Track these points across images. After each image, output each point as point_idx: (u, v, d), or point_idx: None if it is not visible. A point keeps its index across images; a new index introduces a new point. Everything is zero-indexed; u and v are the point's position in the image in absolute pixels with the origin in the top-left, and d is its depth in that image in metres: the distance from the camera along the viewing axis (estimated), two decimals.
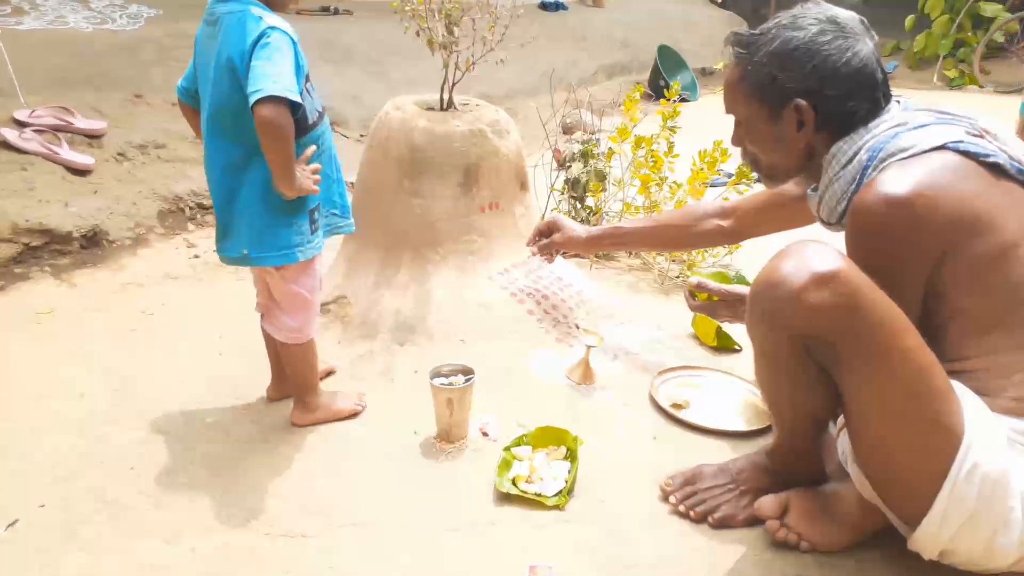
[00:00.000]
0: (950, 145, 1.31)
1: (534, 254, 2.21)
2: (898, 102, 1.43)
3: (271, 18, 1.52)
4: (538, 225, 2.22)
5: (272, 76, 1.44)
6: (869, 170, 1.34)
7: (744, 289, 1.90)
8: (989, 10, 7.04)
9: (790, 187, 1.79)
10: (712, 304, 1.95)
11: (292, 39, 1.53)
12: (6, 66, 3.31)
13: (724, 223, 2.02)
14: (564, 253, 2.28)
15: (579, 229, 2.16)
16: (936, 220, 1.26)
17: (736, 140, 1.57)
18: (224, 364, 2.13)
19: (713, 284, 1.94)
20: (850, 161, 1.38)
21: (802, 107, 1.40)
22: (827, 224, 1.49)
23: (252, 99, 1.43)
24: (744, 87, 1.47)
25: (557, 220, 2.17)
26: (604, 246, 2.23)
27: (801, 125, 1.43)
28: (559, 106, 3.36)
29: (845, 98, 1.38)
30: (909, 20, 7.40)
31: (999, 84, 6.65)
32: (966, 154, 1.30)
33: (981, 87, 6.72)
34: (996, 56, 7.21)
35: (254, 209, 1.61)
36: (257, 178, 1.59)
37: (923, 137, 1.32)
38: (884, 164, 1.32)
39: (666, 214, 2.30)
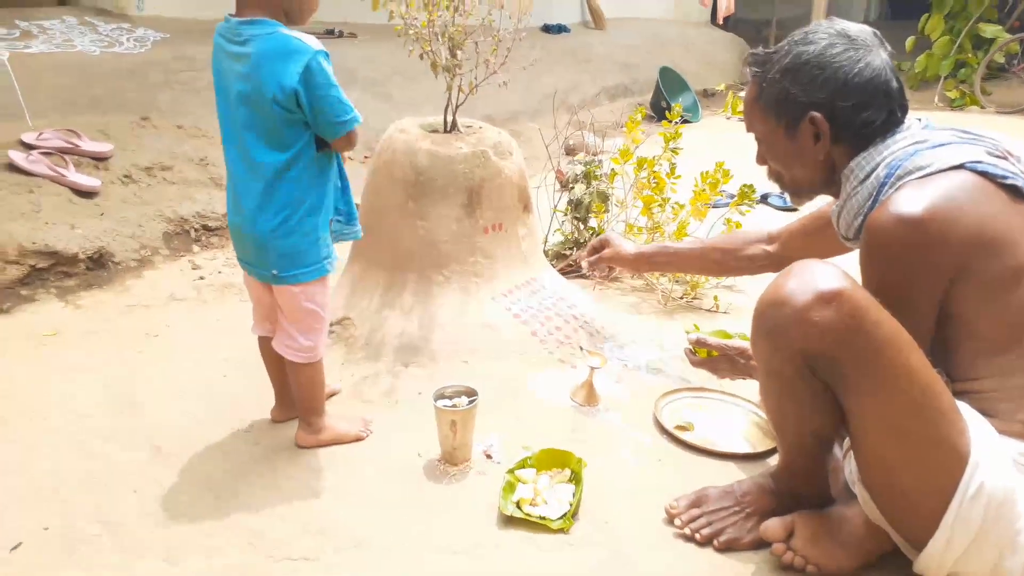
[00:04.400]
0: (968, 165, 1.31)
1: (585, 269, 2.27)
2: (919, 120, 1.44)
3: (307, 38, 1.56)
4: (592, 242, 2.27)
5: (346, 103, 1.59)
6: (886, 187, 1.34)
7: (743, 343, 1.91)
8: (989, 31, 7.08)
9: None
10: (713, 360, 1.96)
11: (327, 56, 1.59)
12: (14, 89, 3.35)
13: (770, 248, 2.00)
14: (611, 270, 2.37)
15: (628, 246, 2.20)
16: (951, 240, 1.26)
17: (759, 158, 1.59)
18: (228, 385, 2.13)
19: (713, 340, 1.96)
20: (868, 176, 1.39)
21: (816, 119, 1.42)
22: (845, 239, 1.49)
23: (344, 128, 1.60)
24: (761, 104, 1.50)
25: (608, 237, 2.23)
26: (652, 264, 2.25)
27: (818, 137, 1.44)
28: (562, 128, 3.38)
29: (859, 108, 1.39)
30: (909, 41, 7.45)
31: (1000, 105, 6.67)
32: (984, 175, 1.31)
33: (982, 108, 6.74)
34: (997, 77, 7.26)
35: (287, 226, 1.64)
36: (288, 195, 1.63)
37: (942, 156, 1.33)
38: (901, 182, 1.32)
39: (715, 238, 2.30)
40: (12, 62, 3.50)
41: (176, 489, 1.70)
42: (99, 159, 3.22)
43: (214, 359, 2.26)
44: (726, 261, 2.09)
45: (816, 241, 1.83)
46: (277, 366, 1.90)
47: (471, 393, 1.81)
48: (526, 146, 3.61)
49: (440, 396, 1.79)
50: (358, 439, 1.88)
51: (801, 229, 1.92)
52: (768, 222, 3.36)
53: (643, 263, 2.22)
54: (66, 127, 3.25)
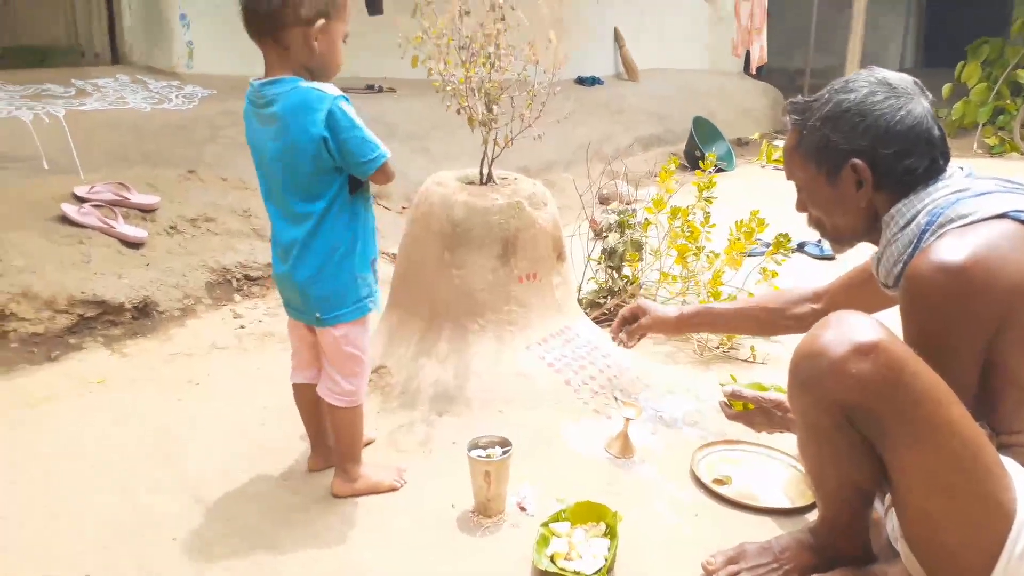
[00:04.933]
0: (1012, 214, 1.30)
1: (621, 342, 2.15)
2: (961, 168, 1.43)
3: (326, 87, 1.62)
4: (621, 312, 2.17)
5: (372, 140, 1.64)
6: (927, 235, 1.34)
7: (780, 396, 1.85)
8: None
9: None
10: (748, 413, 1.91)
11: (348, 101, 1.65)
12: (68, 145, 3.49)
13: (817, 306, 1.93)
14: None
15: (667, 310, 2.11)
16: (994, 289, 1.25)
17: (800, 206, 1.59)
18: (266, 433, 2.15)
19: (748, 392, 1.91)
20: (908, 223, 1.38)
21: (859, 166, 1.42)
22: (885, 286, 1.48)
23: (373, 165, 1.64)
24: (801, 152, 1.50)
25: (642, 304, 2.13)
26: (694, 326, 2.18)
27: (860, 185, 1.43)
28: (595, 177, 3.41)
29: (902, 156, 1.39)
30: (946, 88, 7.41)
31: None
32: None
33: (1023, 154, 6.66)
34: None
35: (324, 272, 1.69)
36: (324, 243, 1.68)
37: (984, 205, 1.32)
38: (943, 230, 1.32)
39: (759, 297, 2.25)
40: (67, 119, 3.65)
41: (214, 537, 1.72)
42: (147, 211, 3.33)
43: (253, 407, 2.29)
44: (772, 320, 2.02)
45: (862, 295, 1.76)
46: (313, 414, 1.93)
47: (505, 443, 1.81)
48: (560, 196, 3.65)
49: (474, 446, 1.80)
50: (392, 489, 1.89)
51: (846, 284, 1.87)
52: (808, 274, 3.35)
53: (685, 326, 2.14)
54: (117, 180, 3.38)
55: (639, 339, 2.15)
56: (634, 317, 2.14)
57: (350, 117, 1.61)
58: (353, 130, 1.61)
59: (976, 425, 1.24)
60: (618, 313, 2.19)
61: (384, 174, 1.68)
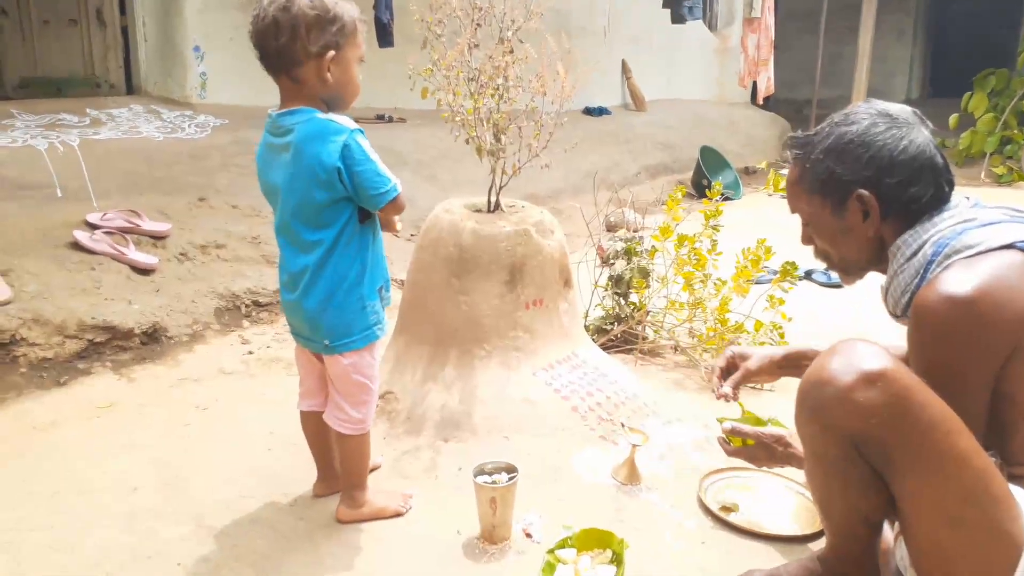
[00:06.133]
0: (1019, 244, 1.30)
1: (726, 397, 1.84)
2: (968, 198, 1.44)
3: (342, 119, 1.64)
4: (717, 364, 1.92)
5: (384, 174, 1.66)
6: (933, 265, 1.34)
7: (780, 430, 1.78)
8: None
9: None
10: (749, 449, 1.81)
11: (363, 133, 1.66)
12: (82, 172, 3.55)
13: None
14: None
15: (772, 352, 1.86)
16: (1002, 321, 1.24)
17: (805, 239, 1.59)
18: (273, 459, 2.16)
19: (748, 428, 1.81)
20: (915, 254, 1.39)
21: (864, 197, 1.42)
22: (893, 316, 1.48)
23: (385, 198, 1.66)
24: (805, 185, 1.51)
25: (738, 351, 1.90)
26: (801, 367, 1.79)
27: (866, 215, 1.44)
28: (602, 205, 3.43)
29: (906, 184, 1.40)
30: (953, 119, 7.44)
31: None
32: None
33: None
34: None
35: (333, 300, 1.70)
36: (334, 271, 1.69)
37: (991, 235, 1.32)
38: (949, 261, 1.32)
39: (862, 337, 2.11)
40: (81, 148, 3.72)
41: (220, 564, 1.71)
42: (158, 238, 3.36)
43: (260, 432, 2.30)
44: None
45: None
46: (320, 441, 1.93)
47: (511, 469, 1.80)
48: (567, 223, 3.67)
49: (480, 472, 1.79)
50: (397, 515, 1.88)
51: None
52: (815, 302, 3.34)
53: (792, 366, 1.83)
54: (128, 208, 3.42)
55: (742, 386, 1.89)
56: (734, 365, 1.90)
57: (364, 151, 1.63)
58: (367, 163, 1.63)
59: (985, 455, 1.23)
60: (713, 367, 1.97)
61: (395, 207, 1.70)
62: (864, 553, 1.45)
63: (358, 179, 1.63)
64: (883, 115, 1.44)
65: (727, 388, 1.83)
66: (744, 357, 1.87)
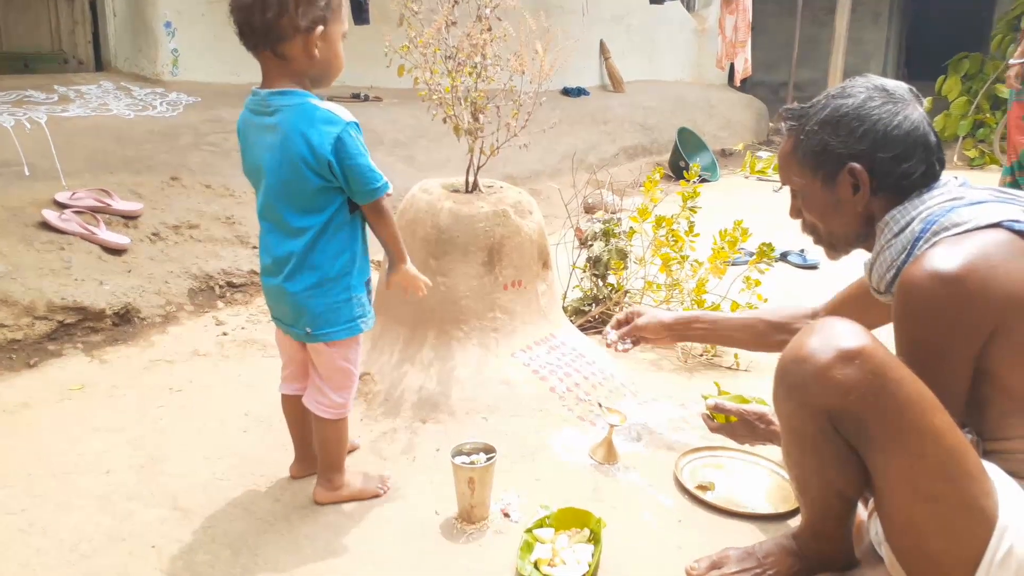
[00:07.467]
0: (1006, 224, 1.31)
1: (612, 344, 2.13)
2: (956, 178, 1.45)
3: (338, 109, 1.60)
4: (616, 316, 2.17)
5: (375, 171, 1.63)
6: (920, 242, 1.35)
7: (763, 408, 1.86)
8: (1007, 91, 7.13)
9: None
10: (731, 425, 1.91)
11: (358, 127, 1.63)
12: (50, 151, 3.47)
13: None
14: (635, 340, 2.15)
15: (664, 314, 2.10)
16: (987, 298, 1.26)
17: (794, 212, 1.59)
18: (248, 441, 2.14)
19: (731, 405, 1.91)
20: (903, 230, 1.39)
21: (856, 170, 1.42)
22: (876, 292, 1.49)
23: (374, 196, 1.64)
24: (798, 156, 1.51)
25: (637, 308, 2.16)
26: (690, 330, 2.14)
27: (857, 188, 1.44)
28: (581, 186, 3.43)
29: (899, 160, 1.40)
30: (927, 102, 7.49)
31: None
32: (1021, 234, 1.31)
33: (1002, 166, 6.75)
34: None
35: (320, 288, 1.67)
36: (322, 258, 1.66)
37: (979, 213, 1.33)
38: (937, 238, 1.33)
39: (762, 310, 2.22)
40: (49, 125, 3.63)
41: (195, 546, 1.70)
42: (129, 217, 3.30)
43: (235, 414, 2.28)
44: (770, 335, 1.98)
45: (859, 306, 1.72)
46: (299, 423, 1.91)
47: (489, 450, 1.80)
48: (545, 204, 3.66)
49: (458, 453, 1.79)
50: (376, 496, 1.88)
51: (843, 300, 1.86)
52: (791, 283, 3.37)
53: (680, 328, 2.10)
54: (99, 187, 3.35)
55: (633, 345, 2.13)
56: (628, 321, 2.13)
57: (357, 145, 1.60)
58: (359, 158, 1.60)
59: (960, 432, 1.25)
60: (608, 320, 2.18)
61: (382, 207, 1.67)
62: (839, 529, 1.48)
63: (349, 173, 1.60)
64: (879, 90, 1.44)
65: (613, 335, 2.12)
66: (639, 315, 2.12)
